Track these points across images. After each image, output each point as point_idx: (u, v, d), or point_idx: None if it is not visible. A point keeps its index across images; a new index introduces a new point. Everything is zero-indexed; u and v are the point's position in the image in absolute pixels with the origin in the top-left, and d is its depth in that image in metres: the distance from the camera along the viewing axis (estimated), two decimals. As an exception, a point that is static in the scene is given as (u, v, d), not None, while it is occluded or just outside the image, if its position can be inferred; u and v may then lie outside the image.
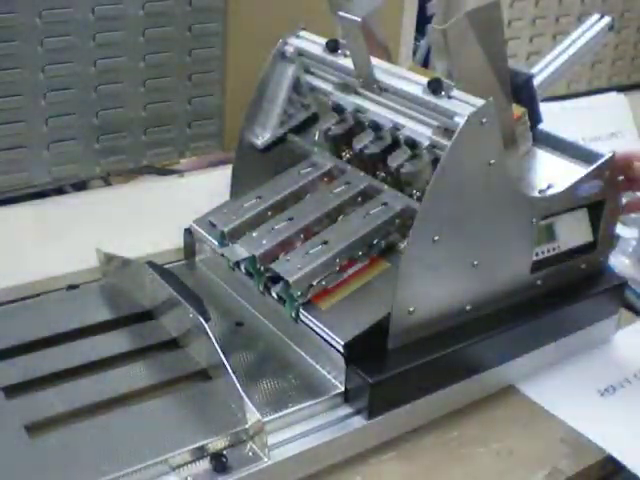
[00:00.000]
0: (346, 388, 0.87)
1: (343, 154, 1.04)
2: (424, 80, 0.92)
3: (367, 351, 0.87)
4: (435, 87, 0.90)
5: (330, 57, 1.04)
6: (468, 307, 0.93)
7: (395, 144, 0.96)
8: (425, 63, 1.68)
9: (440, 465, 0.87)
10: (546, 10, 1.79)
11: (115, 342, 0.92)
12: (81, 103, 1.29)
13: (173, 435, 0.79)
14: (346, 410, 0.87)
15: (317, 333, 0.89)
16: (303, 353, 0.92)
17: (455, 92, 0.89)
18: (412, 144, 0.92)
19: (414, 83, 0.94)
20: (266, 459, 0.79)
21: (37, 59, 1.22)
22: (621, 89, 1.72)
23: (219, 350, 0.83)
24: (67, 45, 1.24)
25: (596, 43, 1.16)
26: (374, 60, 0.97)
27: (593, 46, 1.16)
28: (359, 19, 0.91)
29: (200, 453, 0.78)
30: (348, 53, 1.00)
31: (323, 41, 1.05)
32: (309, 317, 0.90)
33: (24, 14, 1.19)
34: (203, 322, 0.85)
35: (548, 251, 1.00)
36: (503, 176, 0.90)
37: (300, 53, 1.07)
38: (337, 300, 0.91)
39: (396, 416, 0.88)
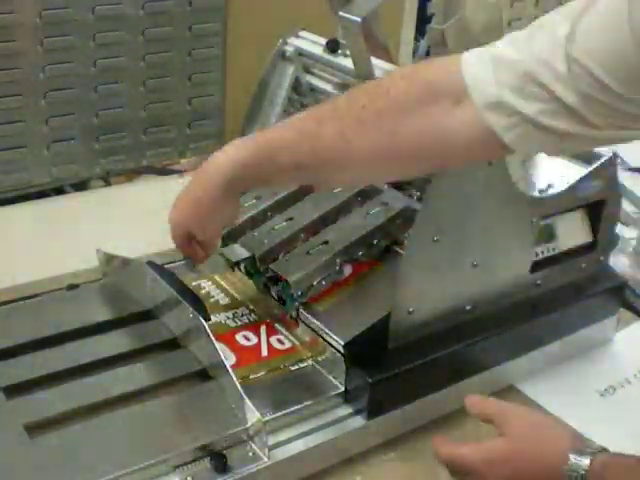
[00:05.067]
0: (346, 388, 0.87)
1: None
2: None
3: (367, 351, 0.87)
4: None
5: (330, 57, 1.04)
6: (468, 307, 0.93)
7: (395, 144, 0.95)
8: (425, 63, 1.68)
9: (440, 465, 0.87)
10: (546, 10, 1.79)
11: (115, 342, 0.92)
12: (81, 103, 1.29)
13: (173, 435, 0.79)
14: (346, 410, 0.87)
15: (317, 333, 0.89)
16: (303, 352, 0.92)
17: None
18: (412, 144, 0.92)
19: (414, 83, 0.94)
20: (266, 459, 0.79)
21: (37, 59, 1.23)
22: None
23: (219, 350, 0.83)
24: (67, 45, 1.24)
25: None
26: (374, 60, 0.97)
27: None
28: (359, 19, 0.91)
29: (200, 453, 0.78)
30: (348, 53, 1.00)
31: (323, 41, 1.05)
32: (309, 317, 0.90)
33: (24, 14, 1.19)
34: (203, 322, 0.85)
35: (548, 251, 1.00)
36: (503, 176, 0.90)
37: (300, 53, 1.07)
38: (336, 300, 0.91)
39: (396, 416, 0.88)
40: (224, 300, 1.00)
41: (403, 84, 0.73)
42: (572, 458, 0.69)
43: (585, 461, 0.68)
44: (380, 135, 0.73)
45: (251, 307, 0.98)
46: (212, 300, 0.99)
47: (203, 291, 1.01)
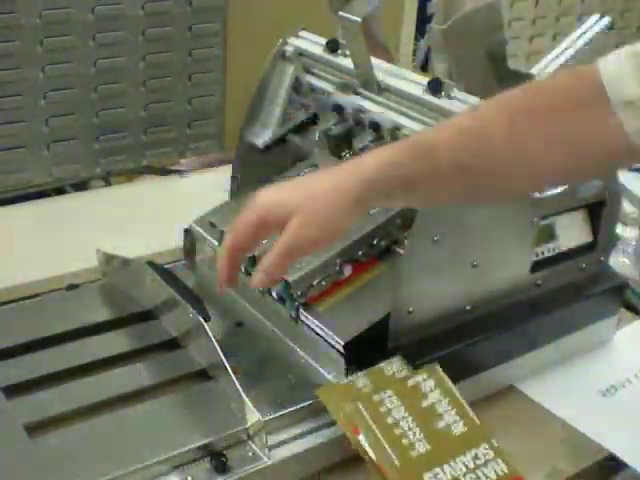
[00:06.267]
0: (346, 388, 0.87)
1: (343, 154, 1.04)
2: (424, 80, 0.92)
3: (367, 351, 0.87)
4: (435, 87, 0.90)
5: (330, 57, 1.04)
6: (468, 307, 0.93)
7: (395, 144, 0.95)
8: (425, 62, 1.69)
9: (440, 465, 0.87)
10: (546, 10, 1.79)
11: (115, 342, 0.92)
12: (81, 103, 1.29)
13: (173, 435, 0.79)
14: (346, 410, 0.87)
15: (317, 333, 0.89)
16: (303, 353, 0.92)
17: (455, 92, 0.89)
18: (412, 144, 0.92)
19: (414, 83, 0.94)
20: (266, 459, 0.79)
21: (37, 59, 1.23)
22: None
23: (219, 350, 0.83)
24: (67, 45, 1.24)
25: (596, 43, 1.16)
26: (374, 60, 0.97)
27: (593, 46, 1.16)
28: (359, 19, 0.91)
29: (200, 453, 0.78)
30: (348, 53, 1.00)
31: (323, 41, 1.05)
32: (309, 317, 0.90)
33: (24, 14, 1.19)
34: (203, 322, 0.85)
35: (548, 251, 1.00)
36: (503, 176, 0.90)
37: (300, 53, 1.07)
38: (336, 300, 0.91)
39: (396, 416, 0.88)
40: (459, 427, 0.78)
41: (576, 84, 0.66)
42: None
43: None
44: (564, 145, 0.67)
45: (494, 443, 0.77)
46: (441, 425, 0.77)
47: (425, 403, 0.80)
